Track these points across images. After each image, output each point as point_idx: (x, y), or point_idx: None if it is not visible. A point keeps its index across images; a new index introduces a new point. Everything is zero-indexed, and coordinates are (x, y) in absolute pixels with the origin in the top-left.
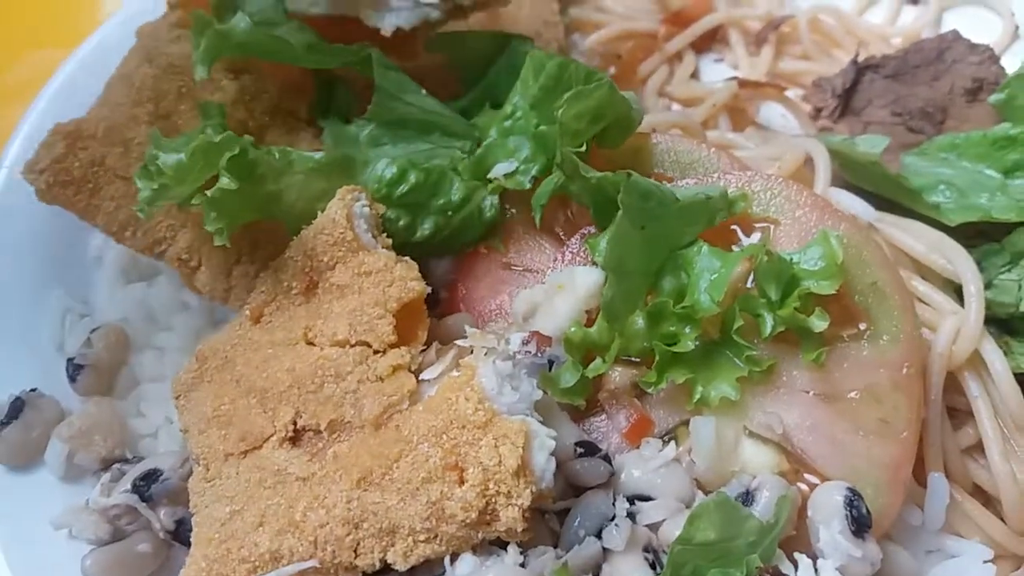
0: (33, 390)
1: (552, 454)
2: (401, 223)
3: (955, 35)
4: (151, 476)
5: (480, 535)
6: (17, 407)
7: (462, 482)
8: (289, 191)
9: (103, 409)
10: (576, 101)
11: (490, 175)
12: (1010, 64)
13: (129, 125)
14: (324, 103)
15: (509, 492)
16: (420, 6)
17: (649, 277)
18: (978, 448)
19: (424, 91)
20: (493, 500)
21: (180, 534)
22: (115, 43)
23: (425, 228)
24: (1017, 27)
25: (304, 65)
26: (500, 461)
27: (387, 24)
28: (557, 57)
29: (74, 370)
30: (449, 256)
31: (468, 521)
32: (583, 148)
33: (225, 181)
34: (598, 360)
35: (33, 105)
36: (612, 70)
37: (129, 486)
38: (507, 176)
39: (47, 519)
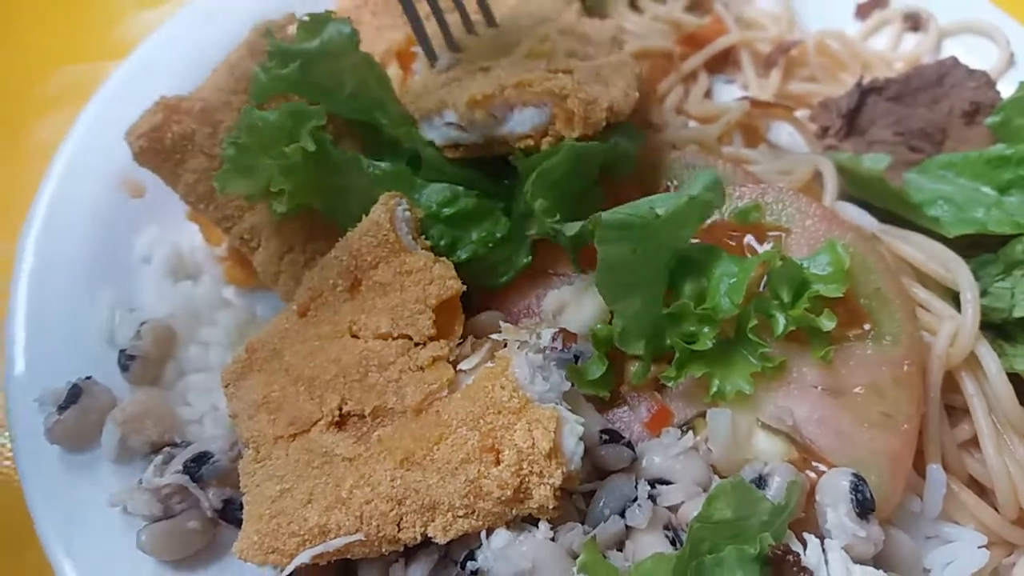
0: (88, 378)
1: (581, 439)
2: (442, 242)
3: (954, 61)
4: (201, 458)
5: (514, 512)
6: (75, 393)
7: (498, 462)
8: (353, 190)
9: (152, 397)
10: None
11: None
12: (1005, 89)
13: (222, 109)
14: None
15: (541, 472)
16: (459, 130)
17: (660, 281)
18: (974, 443)
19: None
20: (527, 479)
21: (227, 513)
22: (162, 54)
23: (462, 253)
24: (1012, 54)
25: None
26: (533, 444)
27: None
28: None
29: (126, 360)
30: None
31: (503, 498)
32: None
33: (305, 142)
34: (639, 366)
35: (84, 112)
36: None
37: (180, 467)
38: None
39: (102, 498)
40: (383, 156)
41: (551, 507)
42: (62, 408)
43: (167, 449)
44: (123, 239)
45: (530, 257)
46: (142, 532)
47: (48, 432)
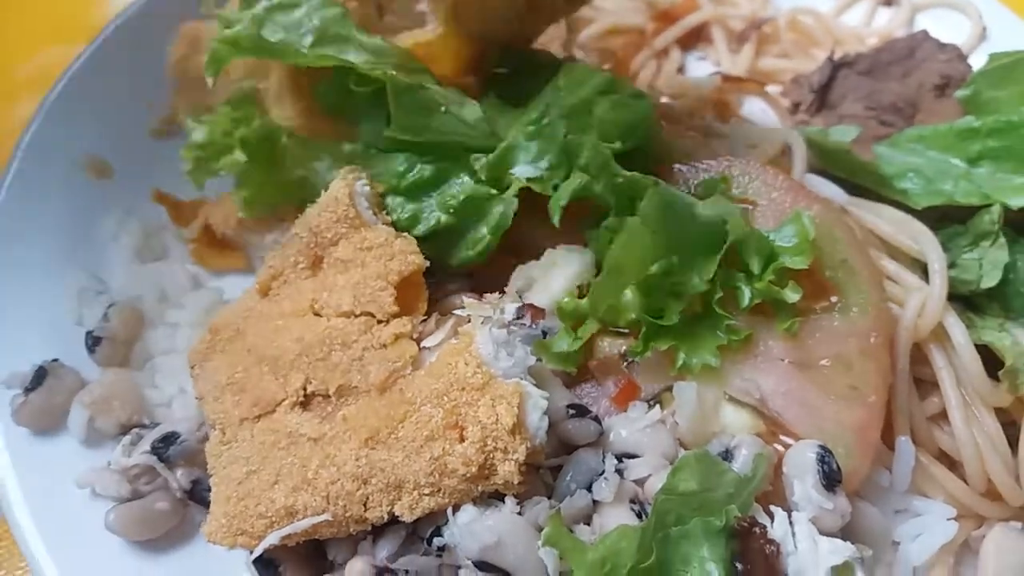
0: (55, 360)
1: (545, 413)
2: (404, 216)
3: (925, 35)
4: (169, 439)
5: (480, 488)
6: (41, 375)
7: (462, 439)
8: (315, 177)
9: (120, 378)
10: (617, 109)
11: (513, 172)
12: (977, 63)
13: None
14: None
15: (506, 448)
16: None
17: (643, 272)
18: (943, 416)
19: (444, 108)
20: (491, 455)
21: (196, 493)
22: (127, 34)
23: (423, 227)
24: (985, 28)
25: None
26: (497, 420)
27: None
28: (604, 72)
29: (93, 342)
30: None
31: (469, 475)
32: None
33: (238, 155)
34: (590, 321)
35: (48, 93)
36: (607, 66)
37: (148, 447)
38: (530, 179)
39: (70, 479)
40: (362, 115)
41: (516, 482)
42: (28, 390)
43: (136, 430)
44: (90, 221)
45: (499, 227)
46: (110, 512)
47: (14, 414)
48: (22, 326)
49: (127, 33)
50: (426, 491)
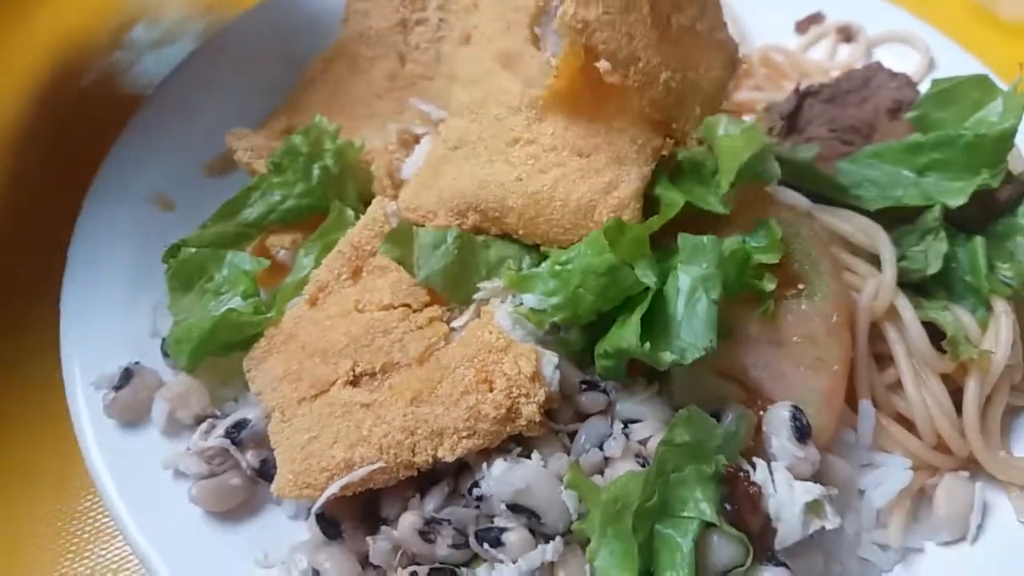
0: (137, 363)
1: (556, 367)
2: None
3: (879, 66)
4: (240, 425)
5: (508, 429)
6: (127, 375)
7: (491, 390)
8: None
9: (193, 378)
10: (608, 288)
11: (521, 298)
12: (924, 88)
13: None
14: None
15: (528, 393)
16: None
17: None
18: (898, 383)
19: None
20: (516, 400)
21: (264, 471)
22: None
23: None
24: (932, 59)
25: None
26: (519, 371)
27: None
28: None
29: (167, 347)
30: None
31: (498, 418)
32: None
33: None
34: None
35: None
36: None
37: (222, 432)
38: (533, 311)
39: (154, 463)
40: None
41: (537, 421)
42: (117, 388)
43: (209, 420)
44: (159, 247)
45: None
46: (192, 487)
47: (107, 408)
48: (105, 337)
49: (178, 85)
50: (464, 434)
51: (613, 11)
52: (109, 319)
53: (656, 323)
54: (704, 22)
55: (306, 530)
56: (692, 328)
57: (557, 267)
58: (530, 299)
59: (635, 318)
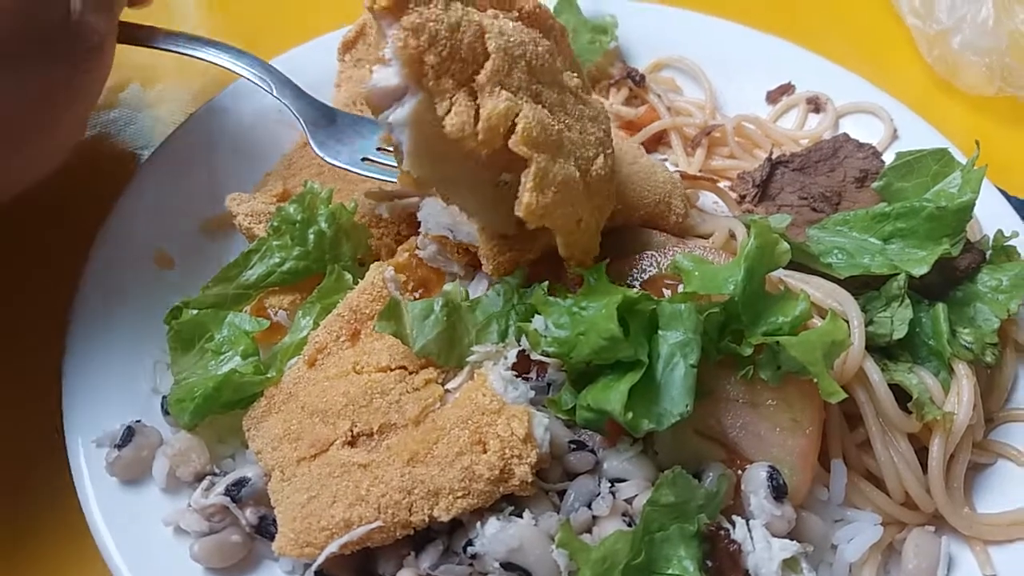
0: (138, 421)
1: (547, 429)
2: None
3: (846, 137)
4: (240, 483)
5: (501, 489)
6: (129, 433)
7: (485, 451)
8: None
9: (193, 436)
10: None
11: (531, 322)
12: (890, 157)
13: None
14: None
15: (520, 454)
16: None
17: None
18: (868, 443)
19: None
20: (509, 461)
21: (262, 528)
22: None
23: None
24: (896, 130)
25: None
26: (512, 433)
27: None
28: (618, 296)
29: (168, 405)
30: None
31: (492, 478)
32: None
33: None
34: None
35: (121, 197)
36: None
37: (222, 490)
38: (534, 332)
39: (155, 520)
40: None
41: (529, 481)
42: (119, 446)
43: (209, 477)
44: (159, 304)
45: None
46: (194, 544)
47: (109, 466)
48: (106, 394)
49: (177, 145)
50: (459, 494)
51: (561, 188)
52: (110, 375)
53: (638, 389)
54: (608, 159)
55: None
56: (670, 394)
57: (575, 307)
58: (539, 321)
59: (623, 386)
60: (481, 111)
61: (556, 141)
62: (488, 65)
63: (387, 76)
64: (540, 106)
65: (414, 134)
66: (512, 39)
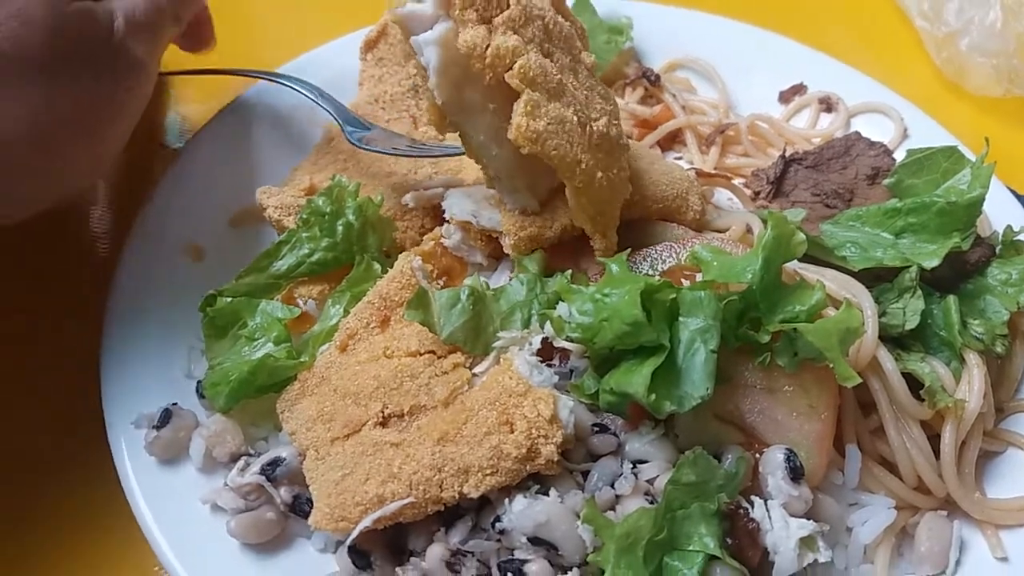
0: (175, 404)
1: (571, 412)
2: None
3: (858, 135)
4: (275, 462)
5: (528, 468)
6: (167, 415)
7: (512, 431)
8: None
9: (227, 418)
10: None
11: (557, 309)
12: (900, 156)
13: None
14: None
15: (546, 434)
16: None
17: None
18: (881, 431)
19: None
20: (535, 441)
21: (296, 506)
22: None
23: None
24: (906, 128)
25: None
26: (538, 414)
27: None
28: (639, 283)
29: (202, 389)
30: None
31: (519, 457)
32: None
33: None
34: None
35: (155, 189)
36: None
37: (258, 469)
38: (559, 318)
39: (192, 497)
40: None
41: (555, 460)
42: (157, 427)
43: (244, 457)
44: (193, 293)
45: None
46: (231, 520)
47: (148, 446)
48: (143, 379)
49: (208, 141)
50: (488, 472)
51: (554, 122)
52: (147, 362)
53: (660, 373)
54: (614, 128)
55: (334, 562)
56: (691, 378)
57: (598, 295)
58: (563, 308)
59: (646, 370)
60: (491, 43)
61: (556, 89)
62: (507, 12)
63: (423, 6)
64: (549, 60)
65: (441, 54)
66: (534, 2)
